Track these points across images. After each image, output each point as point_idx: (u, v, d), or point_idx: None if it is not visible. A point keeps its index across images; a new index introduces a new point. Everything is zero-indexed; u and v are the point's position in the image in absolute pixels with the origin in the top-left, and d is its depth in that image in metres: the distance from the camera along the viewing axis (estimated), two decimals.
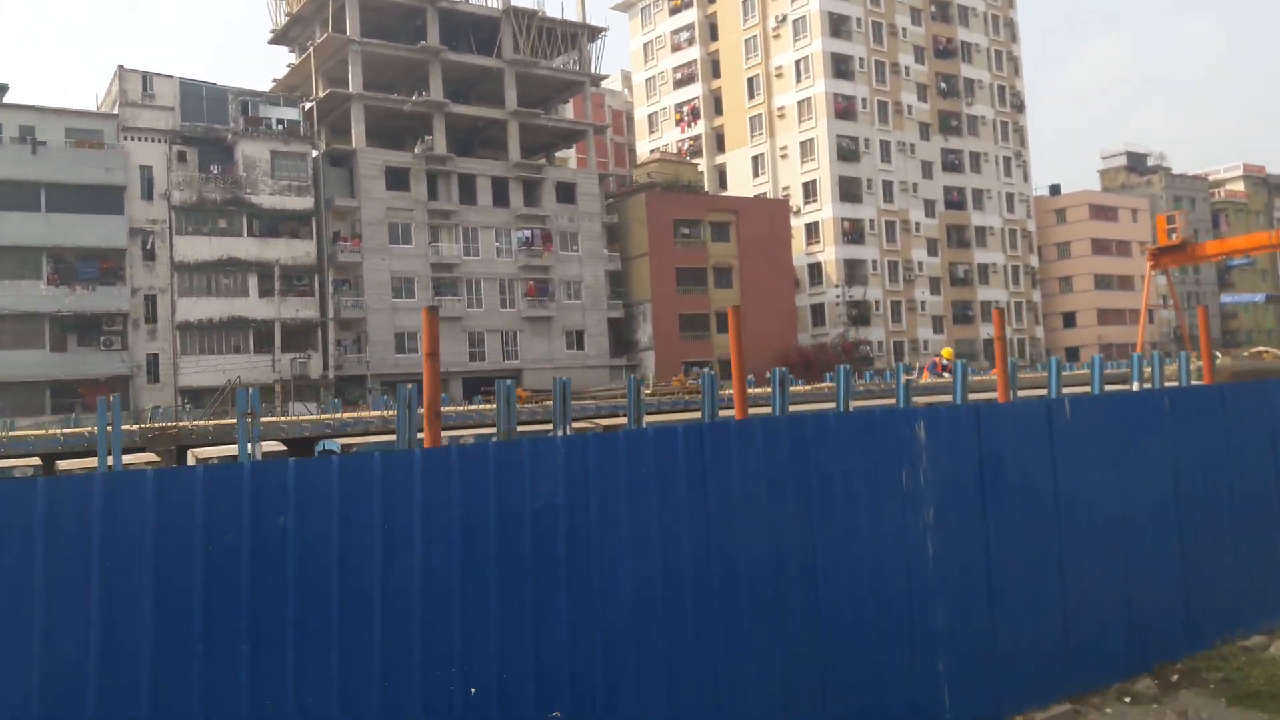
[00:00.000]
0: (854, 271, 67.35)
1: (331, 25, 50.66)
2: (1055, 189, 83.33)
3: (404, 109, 51.28)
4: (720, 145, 73.27)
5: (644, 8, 77.33)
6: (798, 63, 67.76)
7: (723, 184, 72.20)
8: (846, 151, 66.93)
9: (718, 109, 73.28)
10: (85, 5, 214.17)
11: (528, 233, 54.12)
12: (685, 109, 74.49)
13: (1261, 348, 30.19)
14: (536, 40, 55.78)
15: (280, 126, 47.14)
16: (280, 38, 55.20)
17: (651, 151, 76.63)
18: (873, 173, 68.05)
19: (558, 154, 66.20)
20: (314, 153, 47.88)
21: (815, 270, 67.07)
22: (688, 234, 59.16)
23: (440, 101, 51.81)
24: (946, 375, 21.14)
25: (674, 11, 75.04)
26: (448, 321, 50.52)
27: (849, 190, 67.07)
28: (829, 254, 66.08)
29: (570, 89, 59.39)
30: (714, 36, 73.36)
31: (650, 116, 77.38)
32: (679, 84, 74.90)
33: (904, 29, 70.85)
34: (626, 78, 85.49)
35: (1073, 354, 76.44)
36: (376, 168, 49.76)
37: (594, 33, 58.63)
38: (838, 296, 65.59)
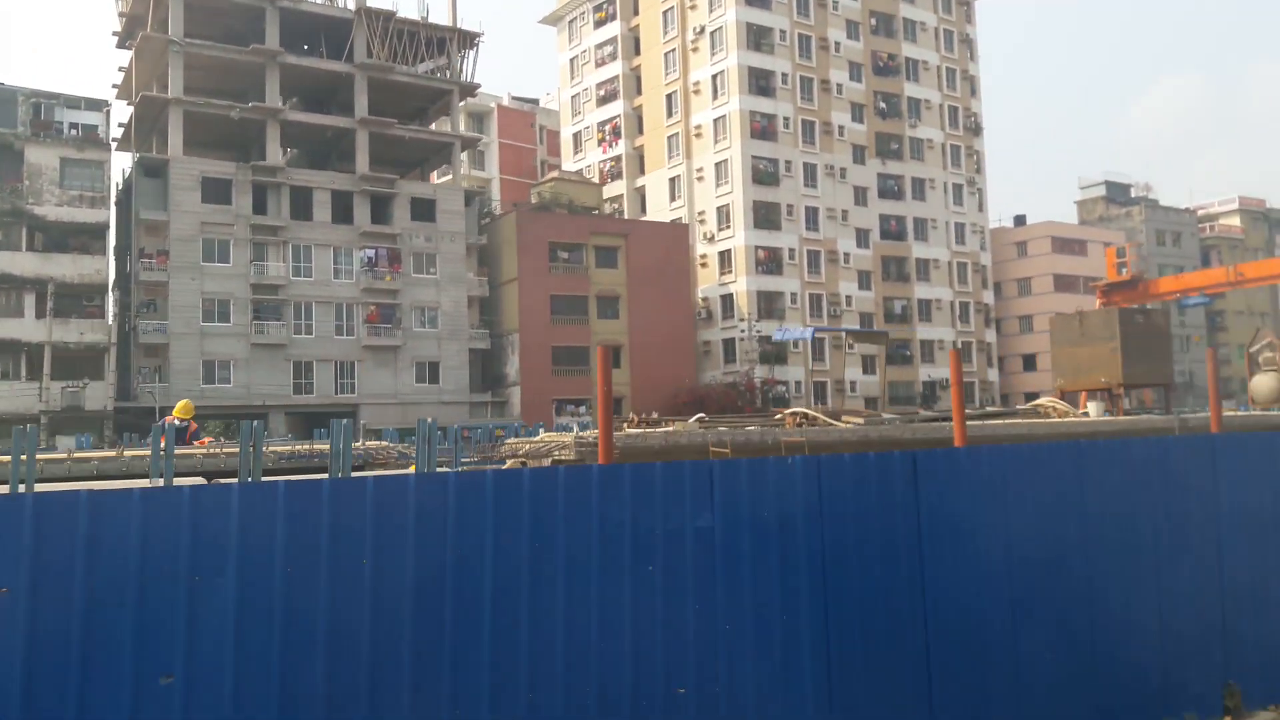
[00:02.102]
0: (771, 304, 61.57)
1: (162, 26, 46.73)
2: (1020, 219, 76.78)
3: (232, 115, 46.95)
4: (643, 166, 68.16)
5: (571, 21, 72.80)
6: (714, 78, 62.55)
7: (644, 208, 67.04)
8: (764, 174, 61.36)
9: (641, 128, 68.25)
10: None
11: (371, 252, 49.38)
12: (607, 128, 69.59)
13: (1045, 400, 24.02)
14: (397, 45, 51.33)
15: (74, 132, 43.01)
16: (122, 40, 51.42)
17: (578, 172, 71.92)
18: (794, 198, 62.37)
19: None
20: (112, 160, 43.67)
21: (729, 302, 61.39)
22: (567, 258, 54.02)
23: (273, 108, 47.48)
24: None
25: (599, 25, 70.38)
26: (266, 349, 45.85)
27: (766, 216, 61.42)
28: (741, 285, 60.40)
29: (444, 99, 54.75)
30: (638, 51, 68.51)
31: (575, 136, 72.59)
32: (602, 101, 70.07)
33: (838, 43, 65.28)
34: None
35: (1033, 399, 69.58)
36: (192, 178, 45.44)
37: (467, 39, 54.04)
38: (757, 332, 59.79)
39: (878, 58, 67.35)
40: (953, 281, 69.07)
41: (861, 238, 65.46)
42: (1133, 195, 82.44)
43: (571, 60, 72.88)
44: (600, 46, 70.27)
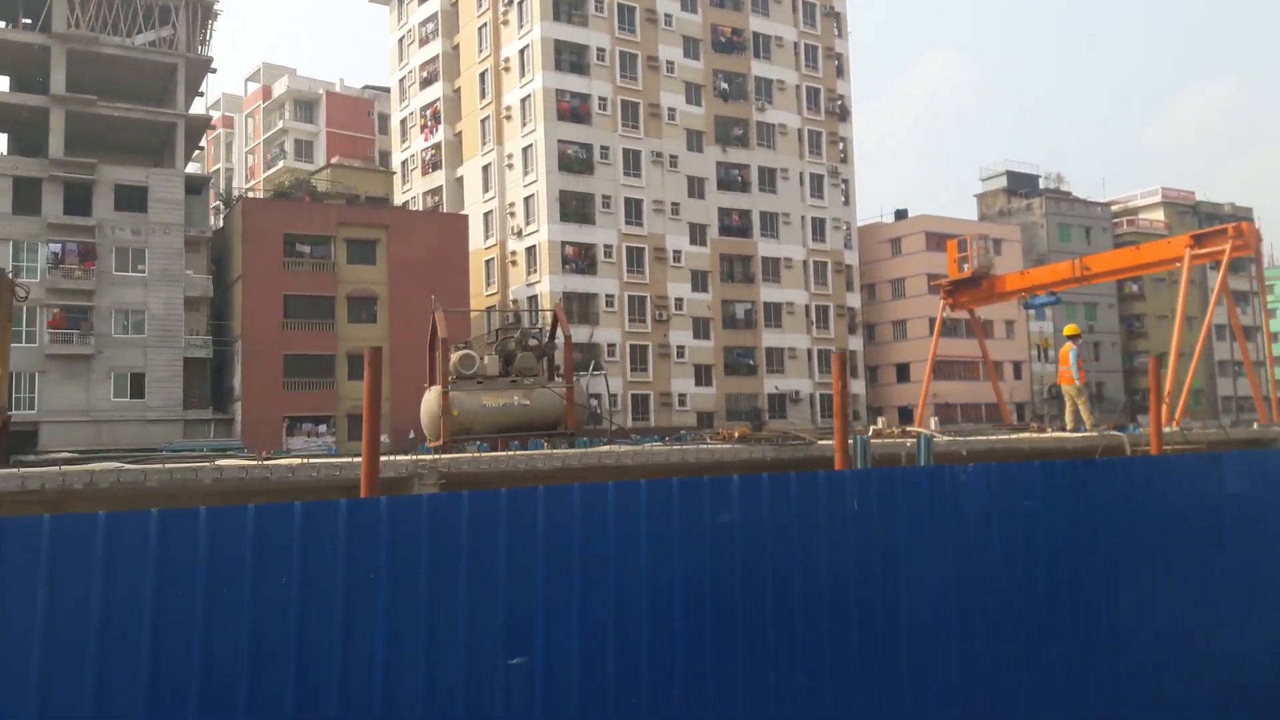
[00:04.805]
0: (585, 307, 54.72)
1: None
2: (901, 214, 69.37)
3: None
4: (462, 154, 61.53)
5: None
6: (522, 53, 55.87)
7: (463, 200, 60.42)
8: (574, 160, 54.55)
9: (461, 113, 61.66)
10: None
11: (58, 247, 43.07)
12: (428, 113, 63.06)
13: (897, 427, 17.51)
14: (109, 13, 45.06)
15: None
16: None
17: (403, 162, 65.56)
18: (612, 188, 55.48)
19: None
20: None
21: (535, 304, 54.55)
22: (310, 253, 47.48)
23: None
24: None
25: (424, 1, 63.90)
26: None
27: (577, 208, 54.62)
28: (545, 285, 53.59)
29: (198, 77, 48.35)
30: (459, 28, 61.95)
31: (403, 122, 66.13)
32: (425, 84, 63.57)
33: (669, 15, 58.31)
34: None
35: (906, 414, 62.42)
36: None
37: (200, 8, 47.63)
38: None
39: (719, 32, 60.27)
40: (809, 283, 61.79)
41: (697, 233, 58.41)
42: (1041, 186, 74.75)
43: (399, 41, 66.51)
44: (423, 24, 63.84)
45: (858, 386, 63.70)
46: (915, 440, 12.62)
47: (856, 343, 63.75)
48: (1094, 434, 15.15)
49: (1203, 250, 42.14)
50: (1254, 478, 7.42)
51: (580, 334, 54.03)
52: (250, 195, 53.09)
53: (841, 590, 6.04)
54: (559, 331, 15.37)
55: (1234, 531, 7.29)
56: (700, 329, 58.04)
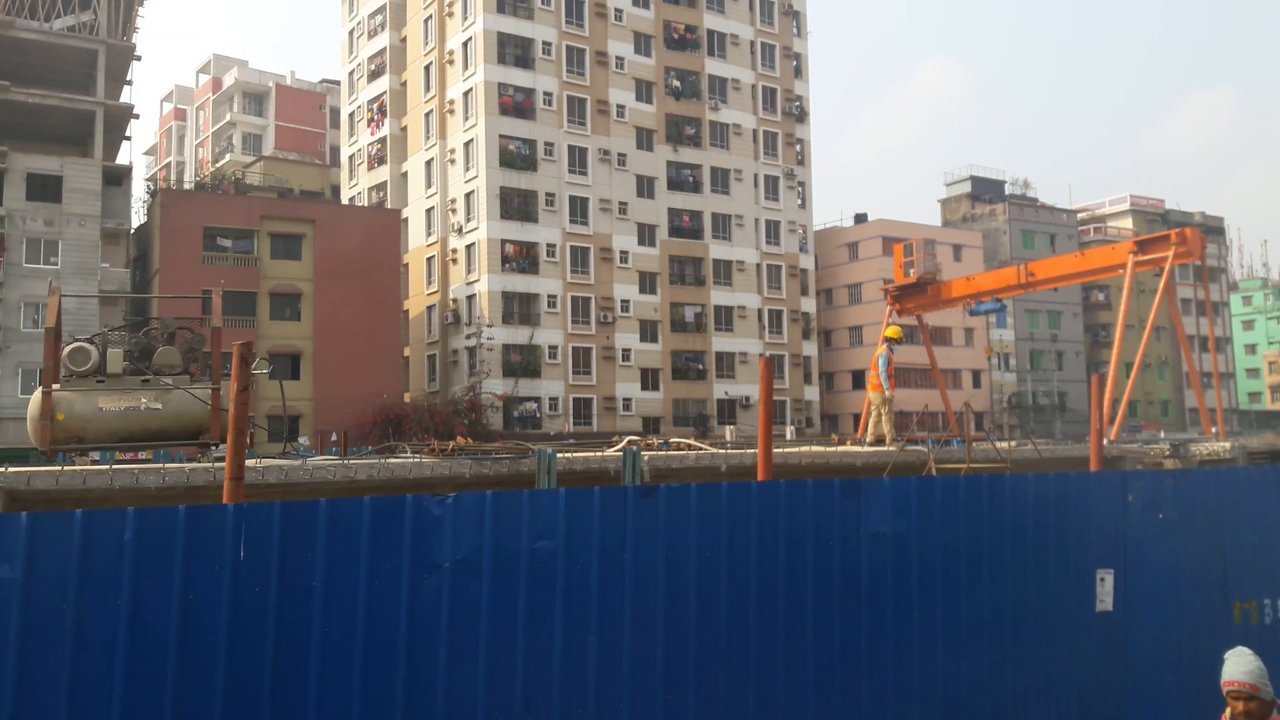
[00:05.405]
0: (526, 308, 53.29)
1: None
2: (861, 218, 68.01)
3: None
4: (407, 149, 60.03)
5: None
6: (465, 45, 54.43)
7: (407, 196, 58.93)
8: (516, 157, 53.09)
9: (407, 106, 60.17)
10: None
11: None
12: (375, 106, 61.56)
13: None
14: None
15: None
16: None
17: (350, 159, 64.08)
18: (557, 185, 54.01)
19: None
20: None
21: (474, 304, 53.12)
22: (231, 247, 45.94)
23: None
24: None
25: None
26: None
27: (519, 206, 53.15)
28: (484, 284, 52.10)
29: (111, 64, 46.81)
30: (407, 20, 60.47)
31: (351, 116, 64.62)
32: (373, 77, 62.08)
33: (619, 10, 56.88)
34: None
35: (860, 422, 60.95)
36: None
37: None
38: (489, 339, 51.45)
39: (672, 28, 58.86)
40: (762, 286, 60.34)
41: (646, 234, 56.96)
42: (1007, 192, 73.45)
43: (350, 33, 65.02)
44: (373, 16, 62.34)
45: (812, 393, 62.31)
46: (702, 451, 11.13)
47: (811, 348, 62.34)
48: (893, 448, 13.67)
49: (1146, 256, 40.62)
50: (905, 513, 5.95)
51: (521, 335, 52.76)
52: (175, 188, 51.48)
53: None
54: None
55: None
56: (648, 332, 56.58)
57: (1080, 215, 75.47)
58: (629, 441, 13.87)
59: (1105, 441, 14.74)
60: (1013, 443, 16.37)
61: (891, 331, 17.77)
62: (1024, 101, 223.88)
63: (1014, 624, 6.17)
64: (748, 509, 5.52)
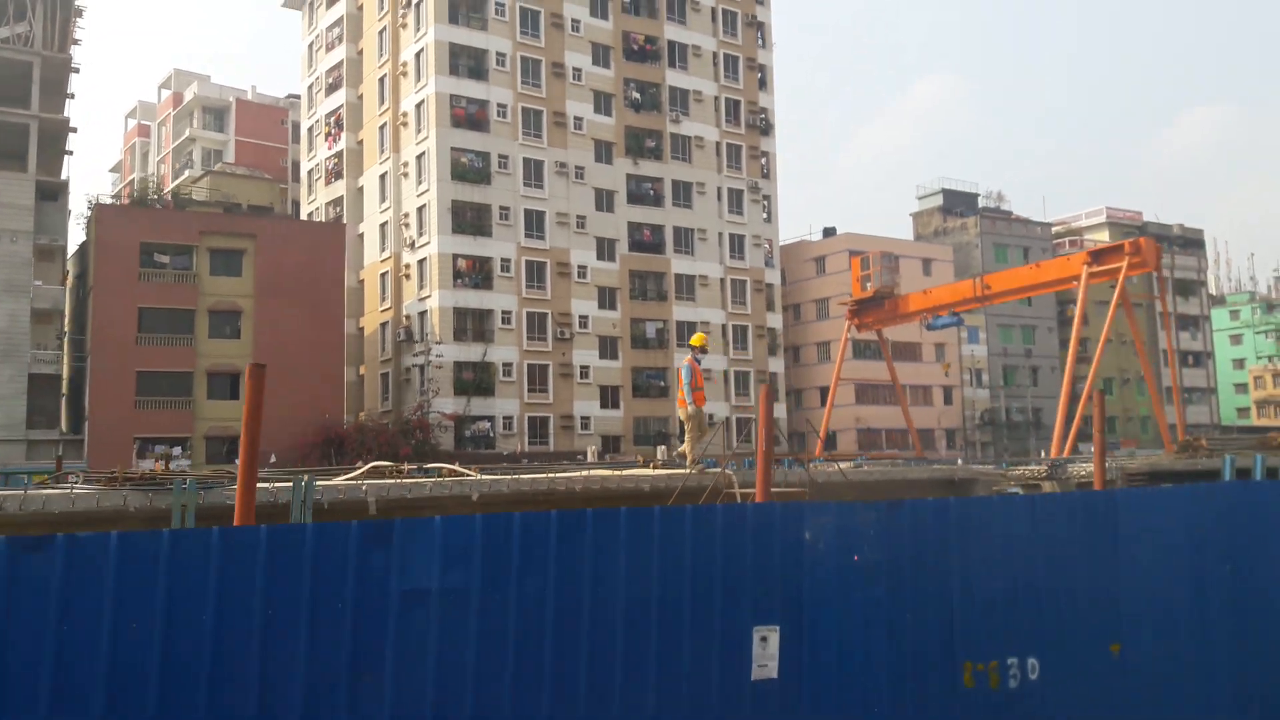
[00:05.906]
0: (480, 324, 52.06)
1: None
2: (829, 232, 66.85)
3: None
4: (363, 163, 58.95)
5: (311, 2, 63.95)
6: (418, 56, 53.42)
7: (363, 211, 57.80)
8: (468, 170, 51.96)
9: (363, 120, 59.13)
10: None
11: None
12: (333, 119, 60.52)
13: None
14: None
15: None
16: None
17: (308, 173, 63.02)
18: (512, 199, 52.87)
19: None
20: None
21: (426, 320, 51.88)
22: (169, 263, 44.75)
23: None
24: None
25: (331, 3, 61.47)
26: None
27: (472, 220, 51.98)
28: (435, 300, 50.88)
29: (48, 77, 45.73)
30: (364, 32, 59.52)
31: (310, 130, 63.59)
32: (330, 90, 61.06)
33: (576, 21, 55.87)
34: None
35: (829, 440, 59.57)
36: None
37: (63, 5, 45.03)
38: (438, 356, 50.15)
39: (632, 39, 57.85)
40: (726, 302, 59.08)
41: (605, 248, 55.75)
42: (980, 205, 72.32)
43: (310, 45, 64.07)
44: (330, 29, 61.39)
45: (779, 410, 60.91)
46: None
47: (778, 364, 61.05)
48: (691, 471, 12.39)
49: (1100, 267, 39.28)
50: (463, 562, 4.67)
51: (474, 352, 51.49)
52: (111, 202, 50.36)
53: None
54: None
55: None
56: (607, 348, 55.29)
57: (1056, 228, 74.35)
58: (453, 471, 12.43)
59: (959, 461, 13.40)
60: (856, 463, 15.01)
61: (696, 339, 16.56)
62: (1019, 116, 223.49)
63: (621, 701, 4.87)
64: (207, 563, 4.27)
